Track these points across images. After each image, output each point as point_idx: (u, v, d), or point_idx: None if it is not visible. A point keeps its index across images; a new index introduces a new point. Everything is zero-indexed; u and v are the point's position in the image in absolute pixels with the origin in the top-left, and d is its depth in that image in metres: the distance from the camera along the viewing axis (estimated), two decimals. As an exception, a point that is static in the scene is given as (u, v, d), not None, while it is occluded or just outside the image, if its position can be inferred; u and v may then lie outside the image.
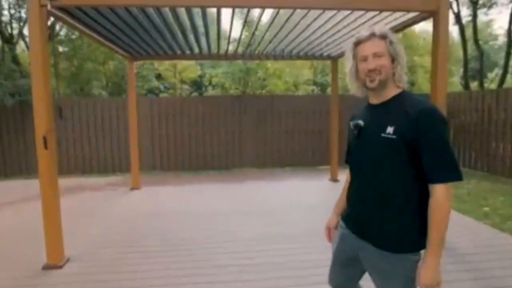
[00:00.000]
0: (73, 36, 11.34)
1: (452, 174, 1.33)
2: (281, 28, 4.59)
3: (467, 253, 3.36)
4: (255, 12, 4.46)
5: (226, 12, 3.91)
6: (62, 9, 3.27)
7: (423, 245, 1.37)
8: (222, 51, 6.18)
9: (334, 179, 6.76)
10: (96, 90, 12.17)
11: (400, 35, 13.32)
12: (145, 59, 7.73)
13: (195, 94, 15.59)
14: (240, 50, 6.21)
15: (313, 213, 4.64)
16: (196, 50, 6.05)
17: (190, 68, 15.97)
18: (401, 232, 1.38)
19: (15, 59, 9.68)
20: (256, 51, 6.33)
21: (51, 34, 10.52)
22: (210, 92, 14.02)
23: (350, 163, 1.63)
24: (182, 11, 3.93)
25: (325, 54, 6.53)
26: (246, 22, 4.36)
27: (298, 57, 6.81)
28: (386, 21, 4.26)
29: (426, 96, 8.83)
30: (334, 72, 6.77)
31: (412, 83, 13.27)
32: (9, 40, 10.34)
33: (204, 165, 8.60)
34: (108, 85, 12.01)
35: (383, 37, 1.40)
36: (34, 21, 3.00)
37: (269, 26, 4.57)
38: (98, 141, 8.30)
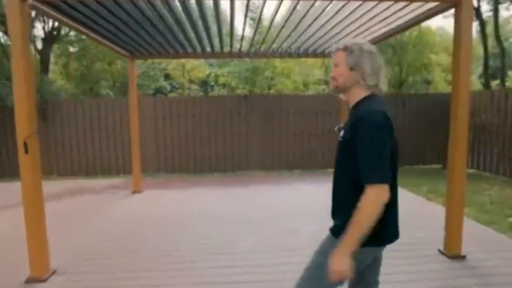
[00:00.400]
0: (83, 36, 11.26)
1: (371, 176, 1.38)
2: (286, 21, 4.27)
3: (487, 274, 2.97)
4: (262, 7, 4.16)
5: (227, 7, 3.65)
6: (46, 2, 3.04)
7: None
8: (226, 49, 5.90)
9: (344, 184, 6.39)
10: (104, 90, 12.10)
11: (415, 31, 12.78)
12: (146, 58, 7.51)
13: (200, 93, 15.38)
14: (244, 47, 5.93)
15: (320, 220, 4.31)
16: (199, 48, 5.79)
17: (199, 68, 15.77)
18: (344, 222, 1.46)
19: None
20: (262, 49, 6.03)
21: (58, 35, 10.45)
22: (217, 91, 13.79)
23: None
24: (177, 5, 3.67)
25: (335, 51, 6.16)
26: (247, 15, 4.06)
27: (307, 54, 6.47)
28: (401, 13, 3.90)
29: (445, 95, 8.36)
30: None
31: (428, 82, 12.70)
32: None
33: (209, 167, 8.35)
34: (115, 85, 11.91)
35: (344, 49, 1.55)
36: (14, 17, 2.76)
37: (272, 21, 4.26)
38: (102, 142, 8.15)
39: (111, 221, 4.57)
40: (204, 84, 16.51)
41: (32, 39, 10.73)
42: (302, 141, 8.44)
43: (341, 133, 1.55)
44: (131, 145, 6.32)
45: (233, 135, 8.34)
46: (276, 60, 10.39)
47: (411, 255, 3.30)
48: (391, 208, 1.46)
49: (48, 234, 3.72)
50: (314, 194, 5.88)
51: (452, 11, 3.16)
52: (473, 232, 3.82)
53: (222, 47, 5.75)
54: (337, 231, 1.54)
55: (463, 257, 3.19)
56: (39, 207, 3.02)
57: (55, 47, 11.33)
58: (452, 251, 3.23)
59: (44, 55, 10.49)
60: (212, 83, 14.11)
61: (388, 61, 9.97)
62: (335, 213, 1.65)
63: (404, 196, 5.58)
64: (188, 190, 6.40)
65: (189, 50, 5.89)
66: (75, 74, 12.18)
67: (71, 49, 12.14)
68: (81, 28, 4.03)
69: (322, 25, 4.52)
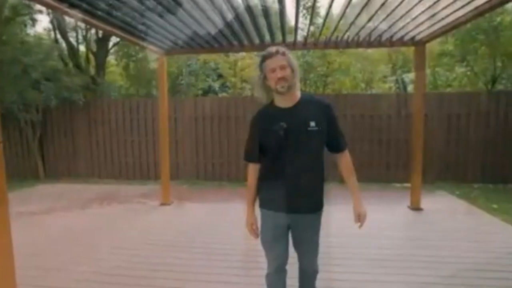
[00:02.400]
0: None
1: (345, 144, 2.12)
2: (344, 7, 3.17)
3: None
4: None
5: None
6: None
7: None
8: (267, 41, 4.96)
9: (416, 207, 4.97)
10: (154, 90, 12.01)
11: (508, 16, 10.41)
12: (179, 53, 6.89)
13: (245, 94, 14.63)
14: (291, 38, 4.92)
15: (376, 266, 3.14)
16: (237, 41, 4.94)
17: (251, 66, 15.07)
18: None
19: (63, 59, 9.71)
20: (310, 40, 4.97)
21: (110, 36, 10.46)
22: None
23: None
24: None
25: (406, 38, 4.83)
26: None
27: (369, 44, 5.20)
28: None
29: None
30: (420, 61, 4.99)
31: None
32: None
33: (252, 176, 7.49)
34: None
35: (284, 54, 1.87)
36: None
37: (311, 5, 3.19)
38: (141, 145, 7.81)
39: (123, 244, 3.89)
40: (255, 83, 15.76)
41: (88, 41, 10.96)
42: (362, 148, 7.12)
43: (312, 124, 1.88)
44: (159, 151, 5.70)
45: (280, 140, 7.35)
46: (332, 55, 9.13)
47: None
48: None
49: (46, 255, 3.26)
50: (373, 220, 4.58)
51: None
52: None
53: (261, 39, 4.83)
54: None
55: None
56: (5, 242, 2.39)
57: (113, 49, 11.50)
58: None
59: (98, 56, 10.61)
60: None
61: (477, 50, 8.01)
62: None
63: (503, 231, 4.05)
64: (222, 204, 5.58)
65: (224, 43, 5.07)
66: (134, 75, 12.34)
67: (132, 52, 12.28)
68: (96, 22, 3.42)
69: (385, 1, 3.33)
